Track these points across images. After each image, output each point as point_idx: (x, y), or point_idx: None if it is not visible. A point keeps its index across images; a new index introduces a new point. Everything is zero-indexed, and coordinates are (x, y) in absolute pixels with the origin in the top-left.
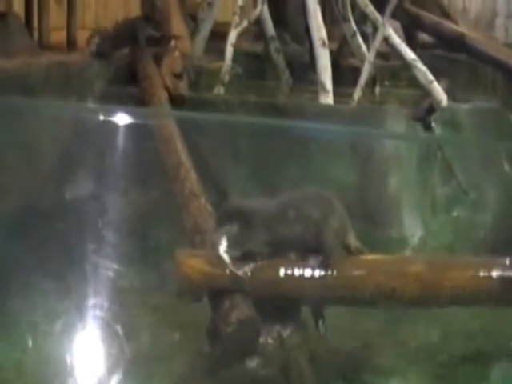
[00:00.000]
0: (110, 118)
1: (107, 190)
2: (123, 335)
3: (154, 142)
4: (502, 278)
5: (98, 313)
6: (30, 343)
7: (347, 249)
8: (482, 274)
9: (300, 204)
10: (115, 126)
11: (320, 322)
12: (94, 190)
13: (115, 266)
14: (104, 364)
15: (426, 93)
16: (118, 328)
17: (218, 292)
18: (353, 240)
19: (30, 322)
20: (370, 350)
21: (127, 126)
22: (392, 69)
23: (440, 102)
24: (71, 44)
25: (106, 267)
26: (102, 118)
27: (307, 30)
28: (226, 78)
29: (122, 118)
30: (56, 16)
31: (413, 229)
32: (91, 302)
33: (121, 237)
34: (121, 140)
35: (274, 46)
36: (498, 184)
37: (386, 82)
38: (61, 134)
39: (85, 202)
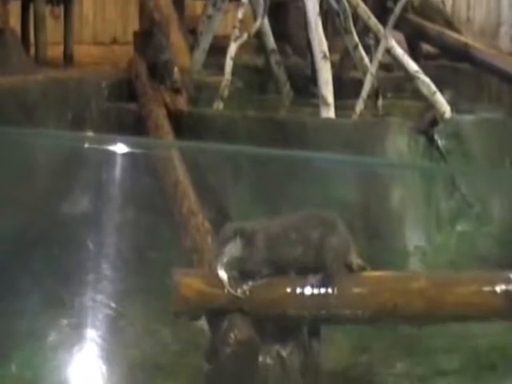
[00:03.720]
0: (108, 148)
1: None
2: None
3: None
4: (506, 293)
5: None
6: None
7: (349, 267)
8: (486, 289)
9: (301, 224)
10: (112, 156)
11: (316, 342)
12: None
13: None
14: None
15: (430, 104)
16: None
17: (217, 312)
18: (355, 258)
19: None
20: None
21: (125, 156)
22: (395, 80)
23: (443, 113)
24: (68, 59)
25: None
26: (99, 147)
27: (308, 42)
28: (226, 93)
29: (119, 148)
30: (53, 31)
31: (417, 243)
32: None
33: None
34: (118, 171)
35: (274, 59)
36: (504, 197)
37: (389, 94)
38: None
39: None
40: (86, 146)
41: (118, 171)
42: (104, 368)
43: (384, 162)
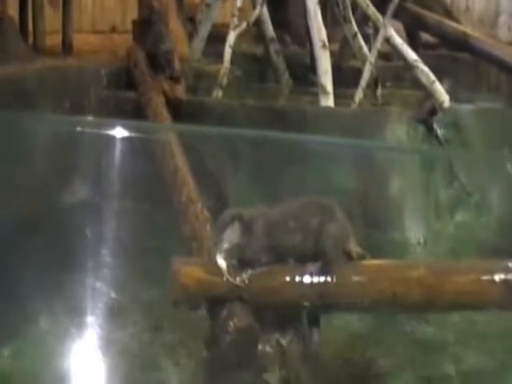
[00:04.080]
0: (107, 132)
1: (103, 201)
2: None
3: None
4: (505, 282)
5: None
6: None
7: (348, 255)
8: (485, 277)
9: (300, 211)
10: (112, 140)
11: (315, 330)
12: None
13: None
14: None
15: (429, 94)
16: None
17: (216, 300)
18: (354, 246)
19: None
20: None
21: (124, 140)
22: (394, 70)
23: (442, 102)
24: (67, 47)
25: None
26: (98, 131)
27: (307, 31)
28: (225, 81)
29: (118, 132)
30: (51, 19)
31: (416, 232)
32: (87, 309)
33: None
34: (118, 154)
35: (273, 47)
36: (502, 186)
37: (388, 83)
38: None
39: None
40: (84, 130)
41: (116, 156)
42: (100, 355)
43: (383, 145)
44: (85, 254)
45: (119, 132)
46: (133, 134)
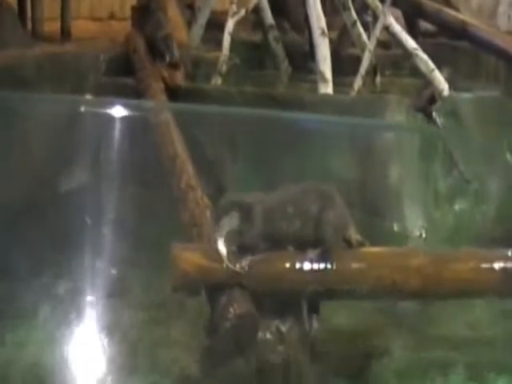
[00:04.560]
0: (107, 110)
1: (103, 182)
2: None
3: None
4: (504, 270)
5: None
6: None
7: (348, 242)
8: (484, 266)
9: (299, 198)
10: (111, 118)
11: (315, 317)
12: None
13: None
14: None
15: (428, 82)
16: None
17: (216, 286)
18: (353, 233)
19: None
20: (371, 345)
21: (123, 119)
22: (393, 58)
23: (442, 91)
24: (65, 34)
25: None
26: (98, 110)
27: (306, 18)
28: (224, 68)
29: (118, 111)
30: (50, 6)
31: (415, 220)
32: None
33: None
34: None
35: (272, 35)
36: (501, 174)
37: (387, 72)
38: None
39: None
40: (83, 108)
41: (115, 135)
42: (95, 341)
43: (382, 124)
44: (80, 238)
45: (118, 111)
46: (132, 113)
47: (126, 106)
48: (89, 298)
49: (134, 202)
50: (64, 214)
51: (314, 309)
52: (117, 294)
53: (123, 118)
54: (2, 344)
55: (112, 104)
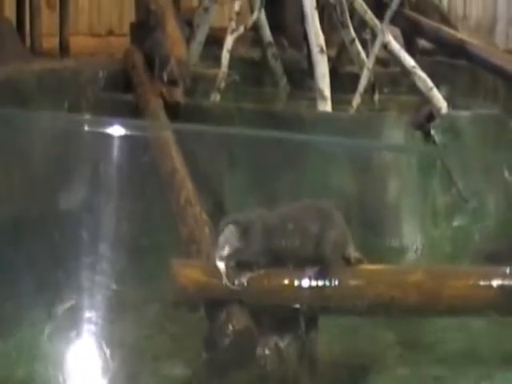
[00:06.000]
0: (105, 130)
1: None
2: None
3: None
4: (502, 287)
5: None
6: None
7: (347, 260)
8: (481, 283)
9: (299, 215)
10: (110, 138)
11: (314, 333)
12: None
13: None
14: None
15: (426, 100)
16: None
17: (215, 302)
18: (352, 251)
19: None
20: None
21: (122, 138)
22: (391, 75)
23: (440, 109)
24: (64, 50)
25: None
26: (96, 129)
27: (305, 36)
28: (223, 85)
29: (117, 130)
30: (48, 21)
31: (413, 237)
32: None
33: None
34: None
35: (271, 52)
36: (499, 192)
37: (386, 89)
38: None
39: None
40: (82, 128)
41: (114, 154)
42: (94, 356)
43: (381, 145)
44: (80, 255)
45: (117, 130)
46: (131, 133)
47: (124, 125)
48: (87, 315)
49: (133, 224)
50: (63, 232)
51: (313, 324)
52: (115, 310)
53: (122, 138)
54: None
55: (110, 123)
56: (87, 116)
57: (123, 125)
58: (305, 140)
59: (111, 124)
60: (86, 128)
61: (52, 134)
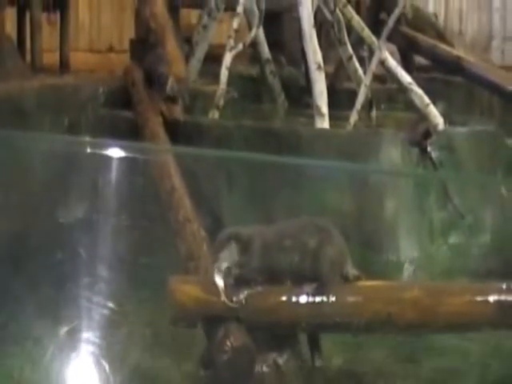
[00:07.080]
0: (104, 152)
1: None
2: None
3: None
4: (498, 303)
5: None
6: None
7: (345, 277)
8: (478, 299)
9: (297, 232)
10: (109, 160)
11: (316, 350)
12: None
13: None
14: None
15: (423, 116)
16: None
17: (213, 319)
18: (350, 269)
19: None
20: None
21: (121, 160)
22: (388, 92)
23: (436, 125)
24: (64, 66)
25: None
26: (94, 151)
27: (303, 53)
28: (221, 102)
29: (115, 152)
30: (49, 38)
31: (410, 254)
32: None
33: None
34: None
35: (269, 69)
36: (495, 208)
37: (383, 106)
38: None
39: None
40: (81, 149)
41: (113, 176)
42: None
43: (377, 168)
44: (79, 274)
45: (116, 152)
46: (130, 155)
47: (123, 147)
48: (85, 335)
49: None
50: (63, 252)
51: (314, 342)
52: (113, 327)
53: (120, 159)
54: None
55: (109, 145)
56: (86, 138)
57: (122, 147)
58: (302, 164)
59: (110, 146)
60: (85, 150)
61: (50, 156)
